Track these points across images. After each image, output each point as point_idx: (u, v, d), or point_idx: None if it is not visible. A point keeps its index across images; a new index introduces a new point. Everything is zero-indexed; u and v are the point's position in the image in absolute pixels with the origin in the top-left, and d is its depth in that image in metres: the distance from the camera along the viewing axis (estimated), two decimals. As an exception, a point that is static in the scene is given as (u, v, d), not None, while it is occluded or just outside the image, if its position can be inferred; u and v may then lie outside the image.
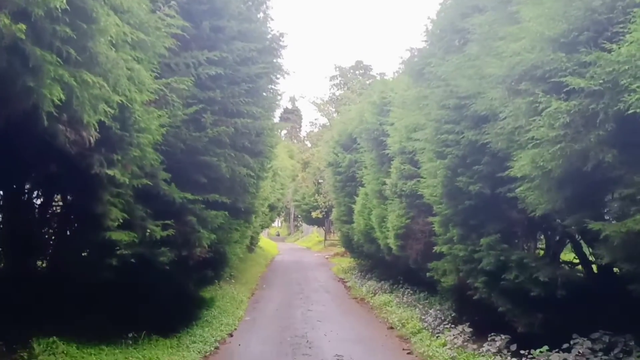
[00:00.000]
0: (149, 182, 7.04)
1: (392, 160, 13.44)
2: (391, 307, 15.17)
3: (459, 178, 8.30)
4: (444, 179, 8.68)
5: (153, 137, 6.38)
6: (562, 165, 4.85)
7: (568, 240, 9.43)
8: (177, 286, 9.93)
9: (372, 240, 17.99)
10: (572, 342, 7.50)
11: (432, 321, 11.66)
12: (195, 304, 11.35)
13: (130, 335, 8.85)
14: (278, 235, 68.87)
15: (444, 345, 10.13)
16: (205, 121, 8.11)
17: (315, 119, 75.32)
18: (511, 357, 8.60)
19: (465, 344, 9.84)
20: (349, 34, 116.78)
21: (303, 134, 57.47)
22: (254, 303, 16.99)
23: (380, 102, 15.69)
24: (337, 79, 36.99)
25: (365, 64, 40.80)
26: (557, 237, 8.98)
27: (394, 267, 17.49)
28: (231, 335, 11.98)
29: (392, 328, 13.00)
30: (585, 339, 7.27)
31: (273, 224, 71.39)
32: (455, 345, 9.85)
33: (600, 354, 7.04)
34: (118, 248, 7.31)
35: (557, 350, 7.57)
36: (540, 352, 7.64)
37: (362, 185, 18.87)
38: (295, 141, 56.44)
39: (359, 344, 11.27)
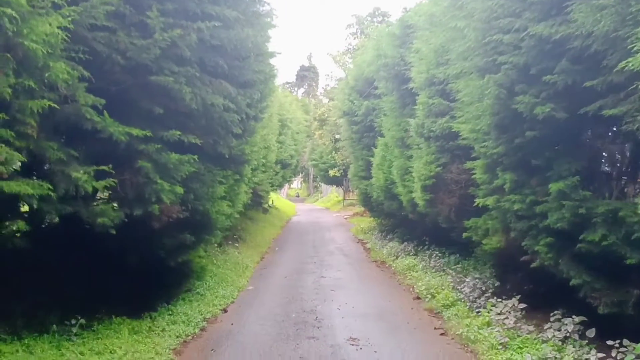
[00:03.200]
0: (55, 106, 4.56)
1: (417, 96, 10.73)
2: (416, 272, 12.77)
3: (518, 98, 5.62)
4: (494, 102, 6.01)
5: (38, 27, 3.85)
6: None
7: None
8: (144, 255, 7.61)
9: (393, 197, 15.45)
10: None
11: (470, 292, 9.17)
12: (177, 274, 9.05)
13: (73, 322, 6.55)
14: (298, 196, 66.84)
15: (488, 325, 7.68)
16: (153, 24, 5.53)
17: (332, 72, 71.19)
18: (588, 347, 6.12)
19: (518, 324, 7.37)
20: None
21: (320, 91, 54.35)
22: (261, 269, 14.75)
23: (402, 33, 12.87)
24: (353, 27, 33.69)
25: (383, 10, 37.01)
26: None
27: (419, 226, 15.01)
28: (225, 310, 9.72)
29: (418, 298, 10.60)
30: None
31: (292, 185, 69.37)
32: (504, 326, 7.37)
33: None
34: (23, 204, 4.92)
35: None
36: (646, 346, 5.12)
37: (381, 135, 16.22)
38: (312, 100, 53.50)
39: (380, 321, 8.89)
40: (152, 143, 5.91)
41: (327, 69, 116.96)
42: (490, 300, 8.57)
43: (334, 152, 33.98)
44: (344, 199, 40.58)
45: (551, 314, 7.08)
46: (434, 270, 12.30)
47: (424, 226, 14.25)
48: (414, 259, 13.95)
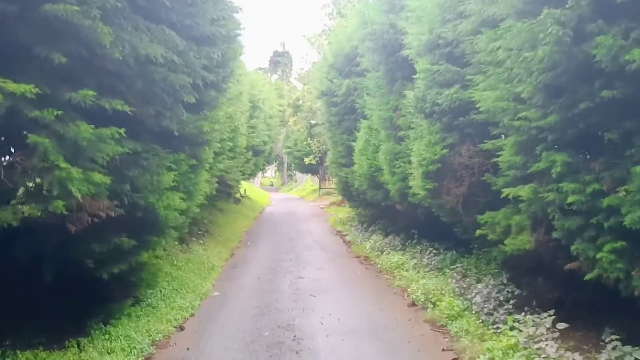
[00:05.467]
0: None
1: (412, 67, 8.84)
2: (407, 270, 11.01)
3: (598, 39, 3.76)
4: (552, 51, 4.14)
5: None
6: None
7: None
8: (63, 267, 5.57)
9: (378, 186, 13.61)
10: None
11: (483, 302, 7.39)
12: (117, 285, 6.98)
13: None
14: (272, 185, 64.69)
15: (515, 349, 5.89)
16: None
17: (306, 54, 68.23)
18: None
19: (560, 351, 5.57)
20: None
21: (295, 76, 51.99)
22: (230, 268, 12.76)
23: (391, -5, 10.94)
24: (329, 7, 31.51)
25: (360, -11, 34.54)
26: None
27: (406, 217, 13.20)
28: (181, 328, 7.73)
29: (414, 305, 8.81)
30: None
31: (266, 174, 67.11)
32: (543, 356, 5.55)
33: None
34: None
35: None
36: None
37: (365, 117, 14.32)
38: (286, 86, 51.24)
39: (374, 340, 7.05)
40: (52, 108, 3.85)
41: (301, 53, 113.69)
42: (510, 311, 6.82)
43: (309, 138, 32.00)
44: (320, 188, 38.70)
45: (605, 340, 5.35)
46: (427, 270, 10.56)
47: (413, 218, 12.46)
48: (402, 255, 12.20)
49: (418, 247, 12.20)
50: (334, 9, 29.64)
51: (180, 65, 5.23)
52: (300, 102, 33.18)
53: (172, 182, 6.10)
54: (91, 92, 3.95)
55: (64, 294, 6.19)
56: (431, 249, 11.34)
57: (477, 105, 6.29)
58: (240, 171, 18.56)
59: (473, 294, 7.63)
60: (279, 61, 57.43)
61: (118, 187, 5.24)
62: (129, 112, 4.55)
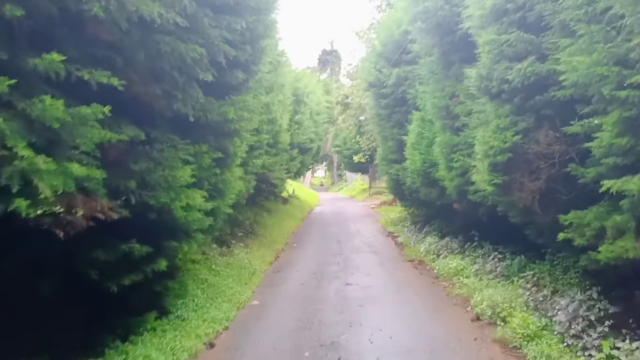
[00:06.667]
0: None
1: (471, 44, 7.52)
2: (467, 277, 9.72)
3: None
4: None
5: None
6: None
7: None
8: (63, 279, 4.71)
9: (433, 183, 12.23)
10: None
11: (568, 321, 5.99)
12: (137, 297, 6.10)
13: None
14: (322, 185, 63.86)
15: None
16: None
17: (355, 49, 66.58)
18: None
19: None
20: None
21: (343, 73, 50.80)
22: (273, 273, 11.77)
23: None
24: (377, -1, 30.27)
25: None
26: None
27: (464, 217, 11.80)
28: (212, 345, 6.76)
29: (479, 319, 7.52)
30: None
31: (316, 174, 66.34)
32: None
33: None
34: None
35: None
36: None
37: (416, 109, 13.02)
38: (335, 85, 50.24)
39: (433, 365, 5.85)
40: (3, 76, 2.91)
41: (350, 49, 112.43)
42: (608, 338, 5.42)
43: (358, 136, 30.78)
44: (370, 187, 37.37)
45: None
46: (491, 277, 9.18)
47: (473, 218, 11.04)
48: (462, 260, 10.85)
49: (479, 251, 10.80)
50: (383, 1, 28.25)
51: (190, 32, 4.22)
52: (349, 99, 32.01)
53: (191, 177, 5.11)
54: (57, 57, 2.99)
55: (72, 308, 5.35)
56: (495, 253, 9.93)
57: (561, 79, 4.97)
58: (285, 169, 17.57)
59: (554, 311, 6.25)
60: (328, 60, 56.47)
61: (121, 183, 4.30)
62: (120, 89, 3.58)
